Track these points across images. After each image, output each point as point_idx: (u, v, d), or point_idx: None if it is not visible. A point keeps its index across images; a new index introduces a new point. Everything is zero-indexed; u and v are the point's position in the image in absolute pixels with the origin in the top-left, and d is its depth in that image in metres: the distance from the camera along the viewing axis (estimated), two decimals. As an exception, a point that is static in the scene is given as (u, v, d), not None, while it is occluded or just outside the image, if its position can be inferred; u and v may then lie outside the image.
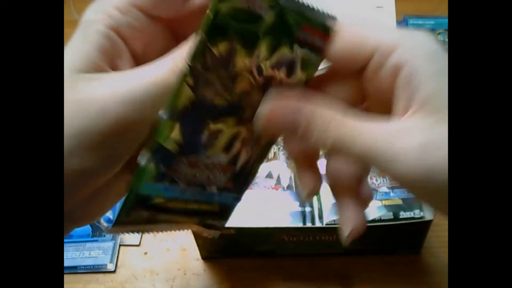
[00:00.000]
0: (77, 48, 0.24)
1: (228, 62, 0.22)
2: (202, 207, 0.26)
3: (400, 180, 0.23)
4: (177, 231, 0.27)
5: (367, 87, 0.25)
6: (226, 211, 0.27)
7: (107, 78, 0.24)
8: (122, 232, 0.25)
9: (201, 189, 0.25)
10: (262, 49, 0.23)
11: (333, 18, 0.24)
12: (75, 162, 0.23)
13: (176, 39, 0.27)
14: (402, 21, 0.71)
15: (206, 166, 0.24)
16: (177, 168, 0.23)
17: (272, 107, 0.24)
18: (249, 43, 0.22)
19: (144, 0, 0.25)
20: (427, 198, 0.24)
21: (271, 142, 0.27)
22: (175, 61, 0.23)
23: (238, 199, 0.27)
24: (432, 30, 0.70)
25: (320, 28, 0.23)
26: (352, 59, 0.24)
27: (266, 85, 0.24)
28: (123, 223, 0.24)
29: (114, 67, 0.25)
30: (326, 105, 0.24)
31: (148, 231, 0.25)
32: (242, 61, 0.22)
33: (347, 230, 0.26)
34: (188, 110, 0.22)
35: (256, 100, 0.24)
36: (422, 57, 0.22)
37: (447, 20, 0.70)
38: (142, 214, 0.24)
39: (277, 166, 0.54)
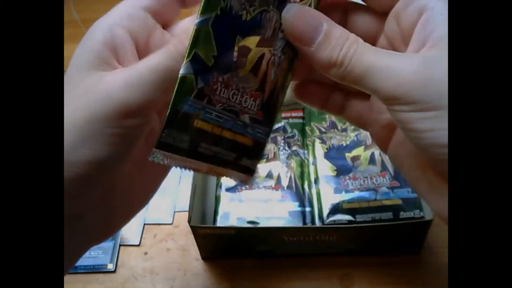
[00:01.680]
0: (83, 46, 0.26)
1: None
2: (237, 137, 0.27)
3: (396, 91, 0.23)
4: (214, 175, 0.27)
5: (386, 28, 0.27)
6: (258, 148, 0.28)
7: (98, 76, 0.25)
8: (163, 161, 0.25)
9: (235, 117, 0.26)
10: None
11: None
12: (87, 152, 0.24)
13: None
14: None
15: (238, 89, 0.26)
16: (214, 87, 0.25)
17: (299, 10, 0.25)
18: None
19: (149, 2, 0.27)
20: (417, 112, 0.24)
21: (291, 68, 0.28)
22: (168, 47, 0.25)
23: (267, 134, 0.28)
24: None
25: None
26: None
27: (281, 5, 0.26)
28: (164, 145, 0.24)
29: (120, 60, 0.26)
30: (345, 29, 0.25)
31: (188, 167, 0.26)
32: None
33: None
34: (218, 18, 0.24)
35: (274, 20, 0.26)
36: (445, 4, 0.24)
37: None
38: (184, 139, 0.25)
39: (277, 166, 0.54)
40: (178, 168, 0.26)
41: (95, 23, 0.26)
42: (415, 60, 0.23)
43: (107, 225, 0.30)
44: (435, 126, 0.22)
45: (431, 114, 0.22)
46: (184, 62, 0.24)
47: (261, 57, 0.26)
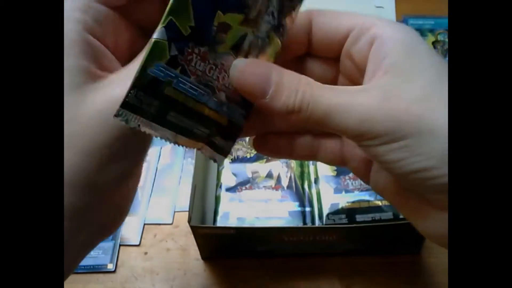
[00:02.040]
0: (65, 60, 0.24)
1: None
2: (211, 114, 0.26)
3: (361, 128, 0.23)
4: (183, 146, 0.26)
5: (341, 68, 0.28)
6: (233, 129, 0.28)
7: (101, 88, 0.24)
8: (128, 122, 0.23)
9: (210, 92, 0.26)
10: None
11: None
12: (110, 171, 0.24)
13: (138, 27, 0.28)
14: (402, 21, 0.71)
15: (216, 64, 0.25)
16: (189, 57, 0.24)
17: (247, 63, 0.25)
18: None
19: None
20: (389, 141, 0.24)
21: (278, 51, 0.27)
22: None
23: (244, 117, 0.28)
24: (432, 30, 0.70)
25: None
26: (330, 39, 0.27)
27: None
28: (130, 106, 0.23)
29: (102, 67, 0.25)
30: (295, 73, 0.25)
31: (153, 133, 0.25)
32: None
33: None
34: None
35: (259, 1, 0.25)
36: (393, 32, 0.25)
37: (447, 20, 0.70)
38: (152, 103, 0.24)
39: (277, 166, 0.54)
40: (146, 132, 0.24)
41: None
42: (372, 94, 0.23)
43: (115, 224, 0.30)
44: (405, 155, 0.23)
45: (398, 145, 0.23)
46: (159, 27, 0.23)
47: (243, 36, 0.26)
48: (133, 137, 0.24)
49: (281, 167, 0.54)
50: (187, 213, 0.46)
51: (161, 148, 0.62)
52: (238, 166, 0.55)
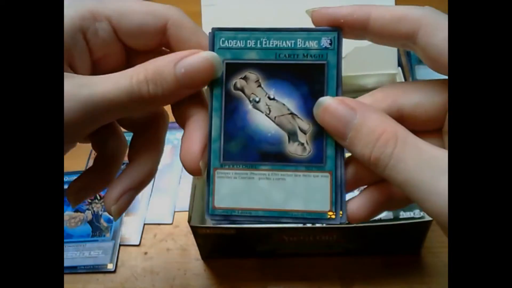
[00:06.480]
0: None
1: None
2: None
3: (435, 217, 0.22)
4: None
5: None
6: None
7: (71, 80, 0.23)
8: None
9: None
10: None
11: None
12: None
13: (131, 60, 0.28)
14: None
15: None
16: None
17: (329, 105, 0.23)
18: None
19: (121, 23, 0.25)
20: None
21: None
22: (131, 80, 0.23)
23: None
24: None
25: None
26: (396, 31, 0.24)
27: None
28: None
29: (72, 66, 0.25)
30: (384, 118, 0.23)
31: None
32: None
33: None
34: None
35: None
36: None
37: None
38: None
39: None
40: None
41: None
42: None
43: None
44: None
45: None
46: None
47: None
48: None
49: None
50: (187, 213, 0.47)
51: (161, 148, 0.62)
52: (238, 166, 0.55)
